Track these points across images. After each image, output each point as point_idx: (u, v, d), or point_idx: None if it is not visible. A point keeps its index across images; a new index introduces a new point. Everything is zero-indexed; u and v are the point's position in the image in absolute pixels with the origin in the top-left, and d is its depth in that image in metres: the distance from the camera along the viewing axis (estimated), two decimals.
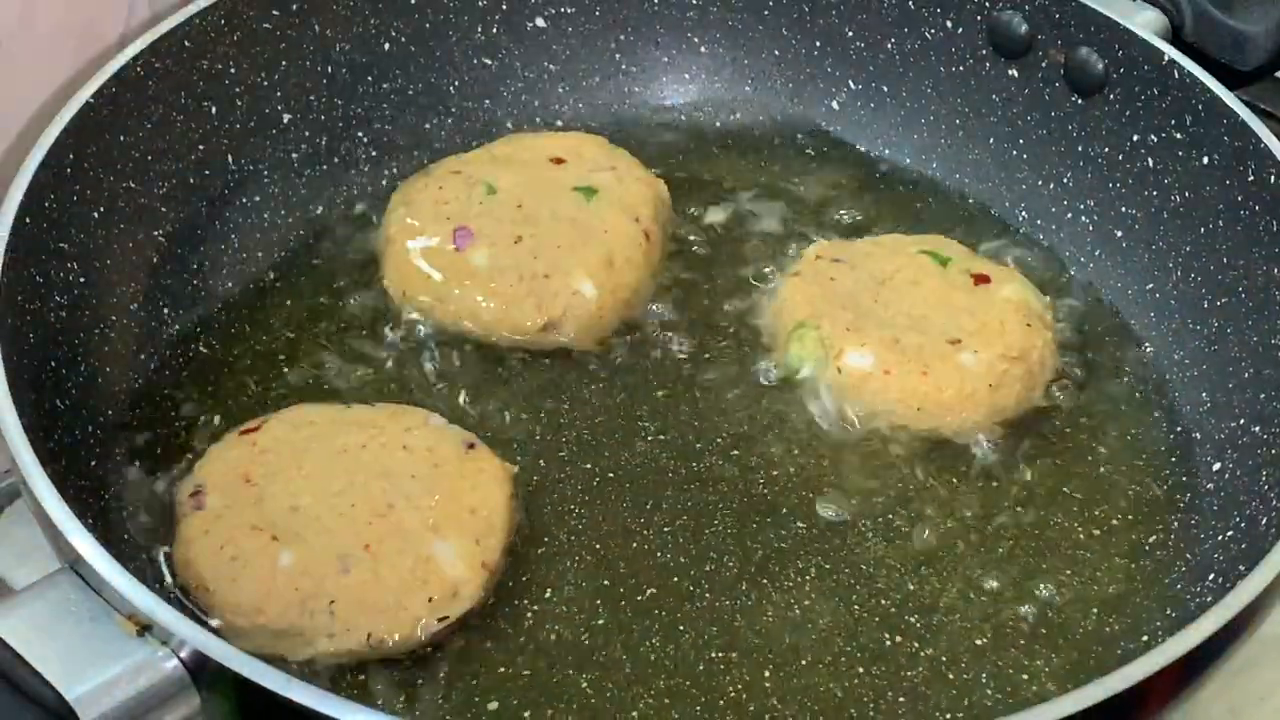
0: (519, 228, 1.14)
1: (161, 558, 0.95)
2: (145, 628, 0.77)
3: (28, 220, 0.97)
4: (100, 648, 0.77)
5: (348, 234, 1.19)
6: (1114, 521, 1.03)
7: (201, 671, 0.77)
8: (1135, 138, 1.16)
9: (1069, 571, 1.00)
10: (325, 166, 1.23)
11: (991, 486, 1.04)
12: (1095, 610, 0.98)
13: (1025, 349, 1.08)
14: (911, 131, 1.29)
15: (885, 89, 1.29)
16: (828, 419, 1.07)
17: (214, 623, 0.90)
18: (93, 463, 0.98)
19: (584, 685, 0.91)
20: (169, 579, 0.93)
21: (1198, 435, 1.07)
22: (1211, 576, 0.96)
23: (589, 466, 1.04)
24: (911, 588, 0.98)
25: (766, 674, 0.93)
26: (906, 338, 1.08)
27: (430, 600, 0.91)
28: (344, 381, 1.08)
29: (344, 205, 1.22)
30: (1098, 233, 1.20)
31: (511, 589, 0.96)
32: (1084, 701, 0.75)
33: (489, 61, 1.29)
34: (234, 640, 0.87)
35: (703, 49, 1.33)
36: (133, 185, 1.08)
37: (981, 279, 1.13)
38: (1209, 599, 0.83)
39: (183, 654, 0.77)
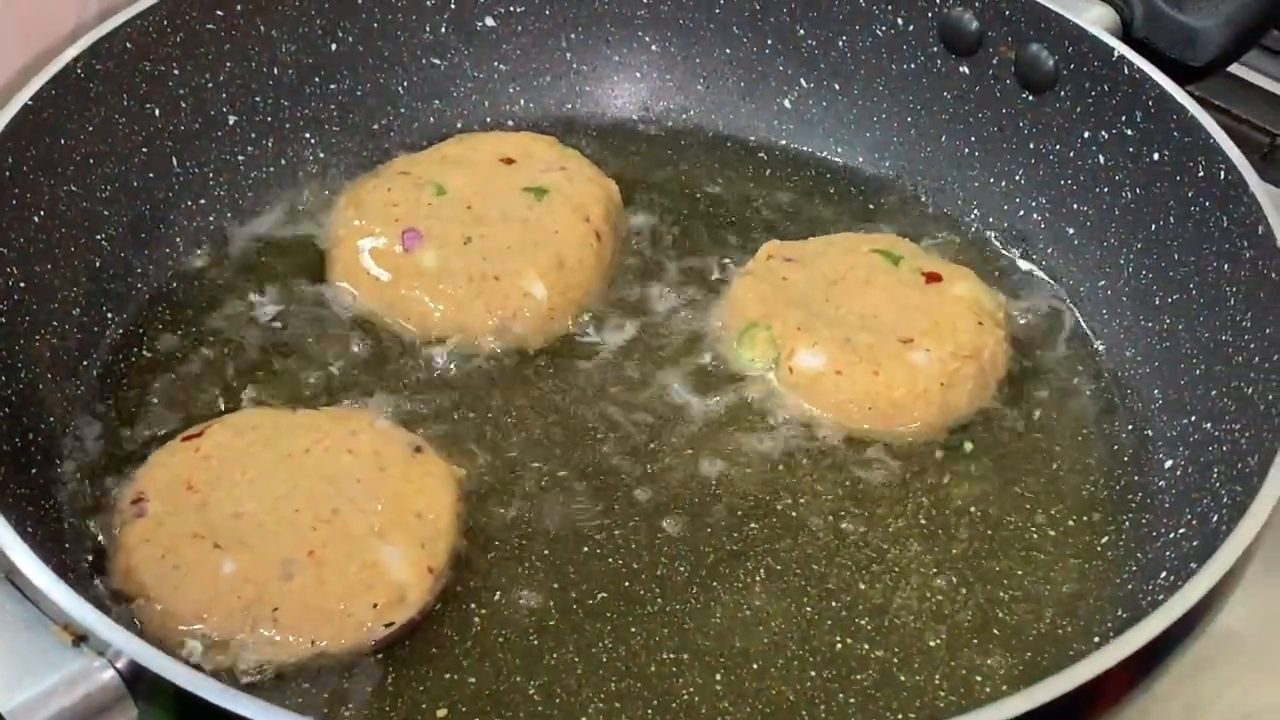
0: (469, 229, 1.13)
1: (102, 566, 0.93)
2: (81, 638, 0.76)
3: None
4: (36, 658, 0.76)
5: (295, 236, 1.18)
6: (1067, 521, 1.03)
7: (139, 682, 0.75)
8: (1086, 134, 1.16)
9: (1021, 571, 0.99)
10: (272, 169, 1.22)
11: (944, 486, 1.04)
12: (1048, 610, 0.97)
13: (977, 347, 1.08)
14: (863, 129, 1.29)
15: (837, 87, 1.29)
16: (779, 419, 1.07)
17: (154, 632, 0.89)
18: (33, 470, 0.97)
19: (533, 691, 0.91)
20: (108, 588, 0.92)
21: (1150, 433, 1.07)
22: (1164, 575, 0.95)
23: (538, 468, 1.03)
24: (863, 588, 0.97)
25: (718, 677, 0.92)
26: (858, 337, 1.07)
27: (375, 606, 0.90)
28: (289, 385, 1.07)
29: (291, 207, 1.20)
30: (1049, 230, 1.20)
31: (459, 594, 0.95)
32: (1035, 700, 0.75)
33: (438, 61, 1.29)
34: (175, 650, 0.86)
35: (654, 48, 1.32)
36: (74, 189, 1.07)
37: (933, 278, 1.12)
38: (1161, 598, 0.82)
39: (119, 664, 0.75)
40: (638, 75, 1.33)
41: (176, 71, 1.15)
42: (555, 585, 0.96)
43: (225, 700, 0.72)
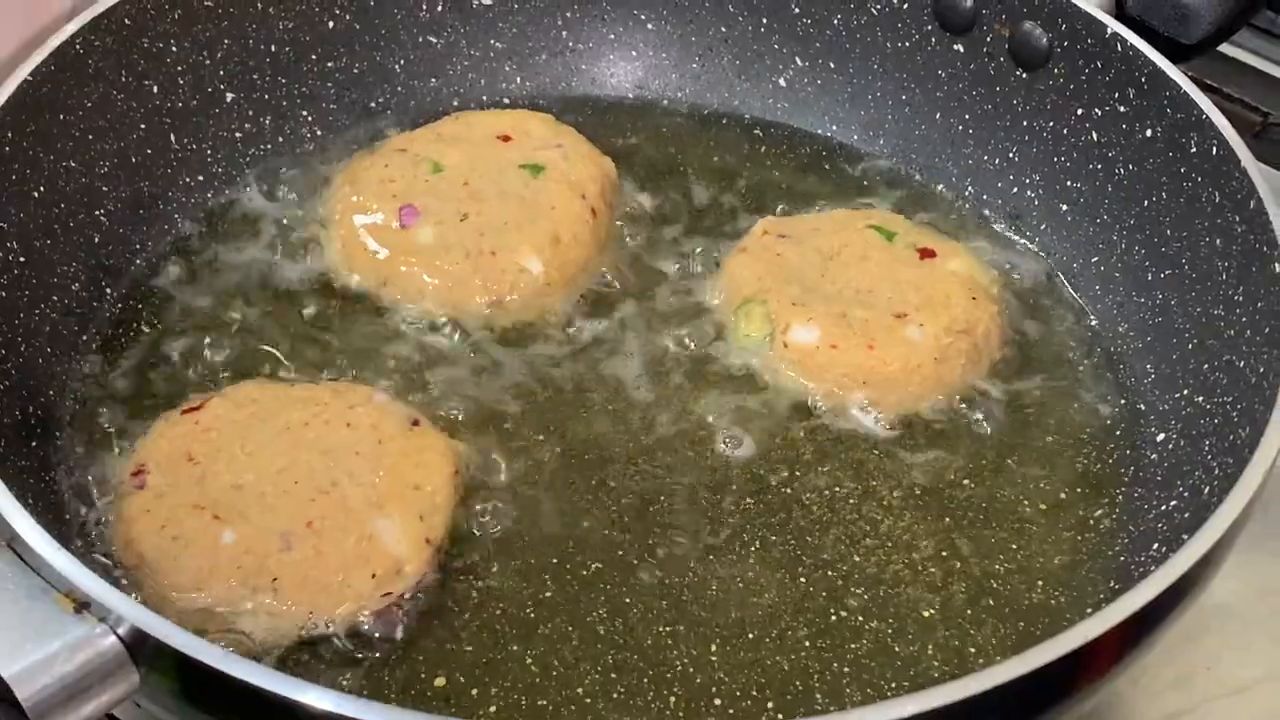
0: (465, 205, 1.14)
1: (102, 536, 0.94)
2: (83, 605, 0.77)
3: None
4: (38, 625, 0.76)
5: (293, 212, 1.18)
6: (1060, 494, 1.03)
7: (140, 648, 0.76)
8: (1079, 111, 1.16)
9: (1015, 544, 1.00)
10: (269, 145, 1.22)
11: (938, 460, 1.04)
12: (1041, 582, 0.98)
13: (971, 322, 1.08)
14: (858, 107, 1.29)
15: (832, 65, 1.29)
16: (774, 394, 1.07)
17: (154, 602, 0.89)
18: (34, 442, 0.97)
19: (529, 661, 0.91)
20: (109, 557, 0.92)
21: (1142, 406, 1.07)
22: (1155, 546, 0.96)
23: (535, 442, 1.04)
24: (857, 560, 0.98)
25: (713, 648, 0.93)
26: (853, 312, 1.08)
27: (374, 577, 0.91)
28: (288, 359, 1.08)
29: (289, 184, 1.21)
30: (1043, 206, 1.20)
31: (456, 566, 0.95)
32: (1028, 666, 0.75)
33: (435, 39, 1.29)
34: (175, 619, 0.87)
35: (650, 26, 1.32)
36: (73, 164, 1.07)
37: (927, 253, 1.13)
38: (1153, 568, 0.82)
39: (121, 630, 0.76)
40: (633, 53, 1.33)
41: (175, 48, 1.15)
42: (552, 558, 0.97)
43: (226, 666, 0.73)
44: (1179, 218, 1.08)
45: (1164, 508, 0.98)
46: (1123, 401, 1.09)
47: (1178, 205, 1.09)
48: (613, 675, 0.91)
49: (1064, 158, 1.18)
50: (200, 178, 1.18)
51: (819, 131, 1.30)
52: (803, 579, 0.97)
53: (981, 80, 1.22)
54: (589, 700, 0.90)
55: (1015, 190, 1.22)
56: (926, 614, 0.95)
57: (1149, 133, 1.11)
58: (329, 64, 1.25)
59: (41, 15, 1.15)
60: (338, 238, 1.14)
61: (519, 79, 1.32)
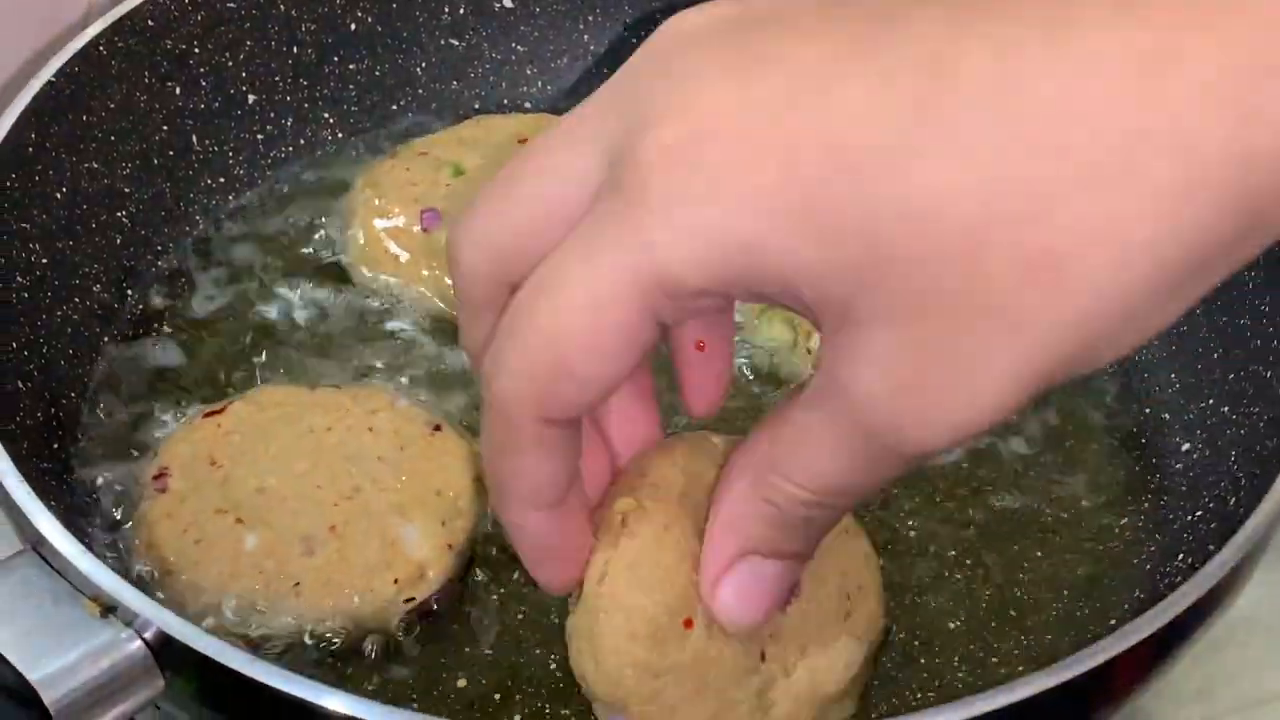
0: None
1: (125, 540, 0.94)
2: (109, 609, 0.77)
3: None
4: (63, 629, 0.76)
5: (313, 216, 1.18)
6: (1083, 504, 1.02)
7: (165, 652, 0.76)
8: None
9: (1038, 553, 0.99)
10: (290, 148, 1.22)
11: (960, 468, 1.04)
12: (1065, 593, 0.97)
13: None
14: None
15: None
16: None
17: (176, 606, 0.89)
18: (55, 445, 0.97)
19: (553, 665, 0.91)
20: (132, 561, 0.92)
21: (1166, 416, 1.07)
22: (1180, 557, 0.95)
23: None
24: (881, 567, 0.97)
25: None
26: None
27: (396, 582, 0.91)
28: (309, 363, 1.07)
29: (310, 187, 1.21)
30: None
31: (478, 570, 0.95)
32: (1054, 679, 0.75)
33: (456, 43, 1.29)
34: (198, 622, 0.87)
35: None
36: (96, 165, 1.07)
37: None
38: (1178, 580, 0.82)
39: (146, 635, 0.76)
40: None
41: (197, 50, 1.15)
42: None
43: (252, 670, 0.73)
44: None
45: (1189, 518, 0.98)
46: (1146, 411, 1.08)
47: None
48: None
49: None
50: (222, 179, 1.18)
51: None
52: None
53: None
54: None
55: None
56: (950, 625, 0.95)
57: None
58: (350, 66, 1.25)
59: (59, 20, 1.15)
60: (359, 241, 1.14)
61: (540, 83, 1.32)
